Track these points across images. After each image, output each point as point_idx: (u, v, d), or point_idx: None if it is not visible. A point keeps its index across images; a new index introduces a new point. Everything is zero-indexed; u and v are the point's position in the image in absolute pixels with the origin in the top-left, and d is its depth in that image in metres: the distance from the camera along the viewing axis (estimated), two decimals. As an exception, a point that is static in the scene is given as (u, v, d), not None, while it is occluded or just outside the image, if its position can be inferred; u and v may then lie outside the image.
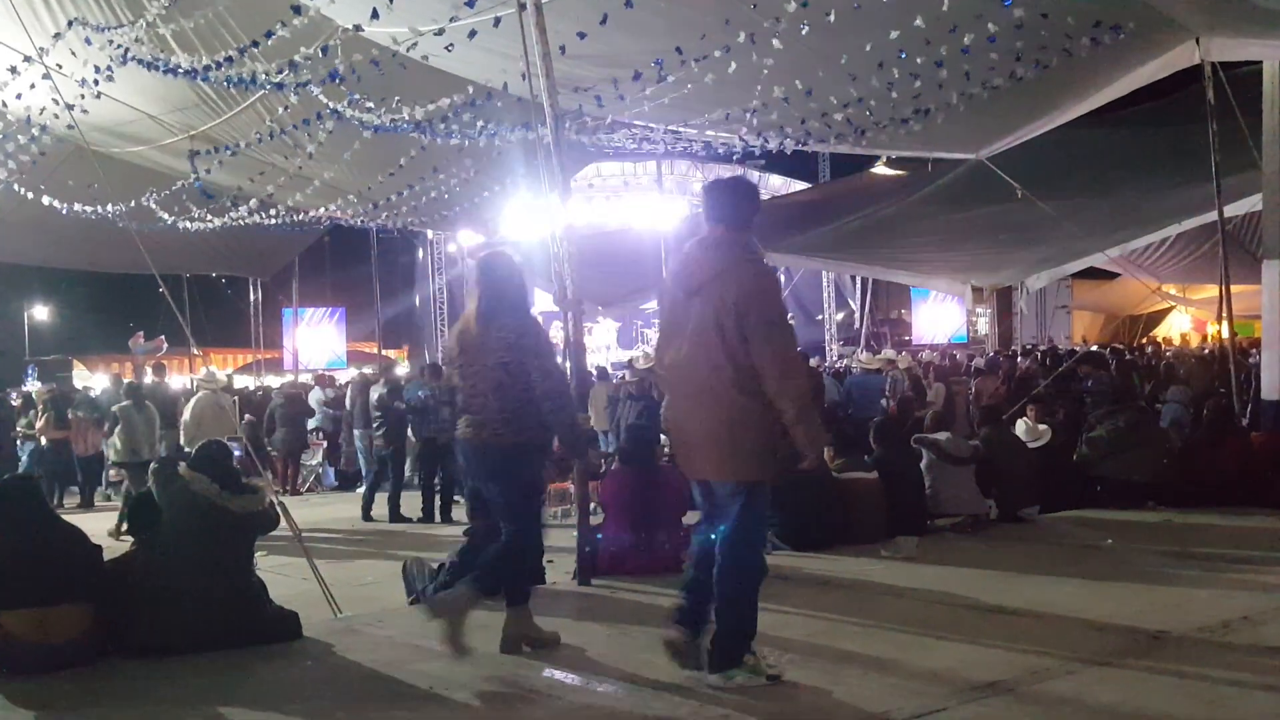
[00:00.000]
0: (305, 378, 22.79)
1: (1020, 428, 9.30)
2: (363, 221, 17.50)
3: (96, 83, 9.78)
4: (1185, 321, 29.72)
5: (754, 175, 27.80)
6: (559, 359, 5.59)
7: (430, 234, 26.79)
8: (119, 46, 9.14)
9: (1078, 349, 21.20)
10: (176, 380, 17.79)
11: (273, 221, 15.47)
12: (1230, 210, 12.34)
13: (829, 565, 6.80)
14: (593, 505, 7.19)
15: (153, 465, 10.73)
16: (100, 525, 10.97)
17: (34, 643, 4.81)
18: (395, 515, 11.62)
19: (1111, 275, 25.55)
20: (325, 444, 16.11)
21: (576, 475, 7.00)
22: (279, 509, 5.96)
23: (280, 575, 6.87)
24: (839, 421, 10.45)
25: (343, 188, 14.42)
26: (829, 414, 11.33)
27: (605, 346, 25.56)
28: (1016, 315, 25.98)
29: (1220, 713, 3.97)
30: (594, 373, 15.10)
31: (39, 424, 14.40)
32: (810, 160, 26.12)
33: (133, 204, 13.59)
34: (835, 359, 25.68)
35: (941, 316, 29.57)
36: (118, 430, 11.70)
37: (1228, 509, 8.37)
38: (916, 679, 4.35)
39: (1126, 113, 13.69)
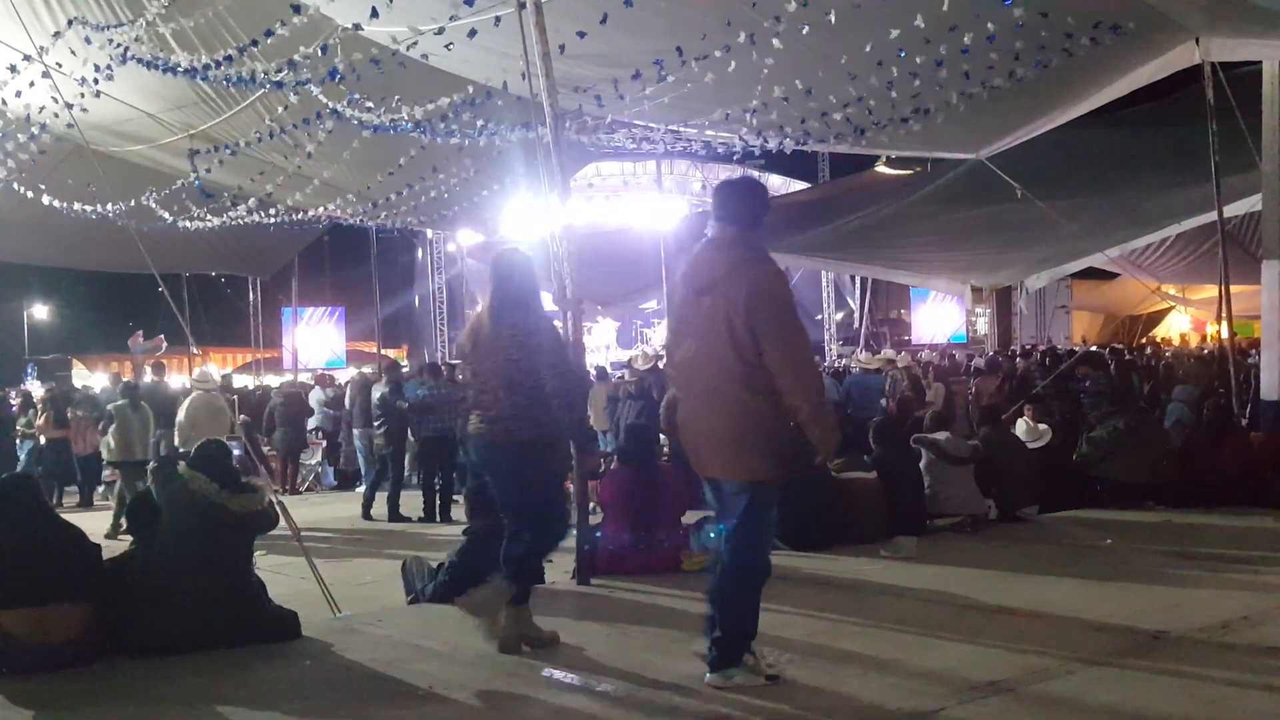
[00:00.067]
0: (305, 377, 22.78)
1: (1020, 428, 9.30)
2: (362, 221, 17.50)
3: (96, 81, 9.78)
4: (1185, 322, 29.74)
5: (753, 175, 27.87)
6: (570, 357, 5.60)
7: (430, 233, 26.79)
8: (119, 45, 9.14)
9: (1077, 349, 21.20)
10: (176, 380, 17.76)
11: (272, 221, 15.46)
12: (1230, 210, 12.36)
13: (828, 565, 6.80)
14: (591, 505, 7.19)
15: (151, 464, 10.78)
16: (99, 525, 10.99)
17: (33, 642, 4.80)
18: (394, 515, 11.62)
19: (1111, 275, 25.57)
20: (325, 443, 16.10)
21: (575, 475, 7.00)
22: (278, 508, 5.96)
23: (279, 574, 6.86)
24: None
25: (342, 187, 14.43)
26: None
27: (605, 346, 25.56)
28: (1016, 315, 26.01)
29: (1220, 713, 3.97)
30: (593, 373, 15.11)
31: (38, 423, 14.39)
32: (810, 160, 26.12)
33: (132, 203, 13.59)
34: (834, 359, 25.68)
35: (941, 316, 29.59)
36: (112, 429, 11.65)
37: (1227, 509, 8.37)
38: (916, 679, 4.35)
39: (1126, 113, 13.69)
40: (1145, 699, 4.08)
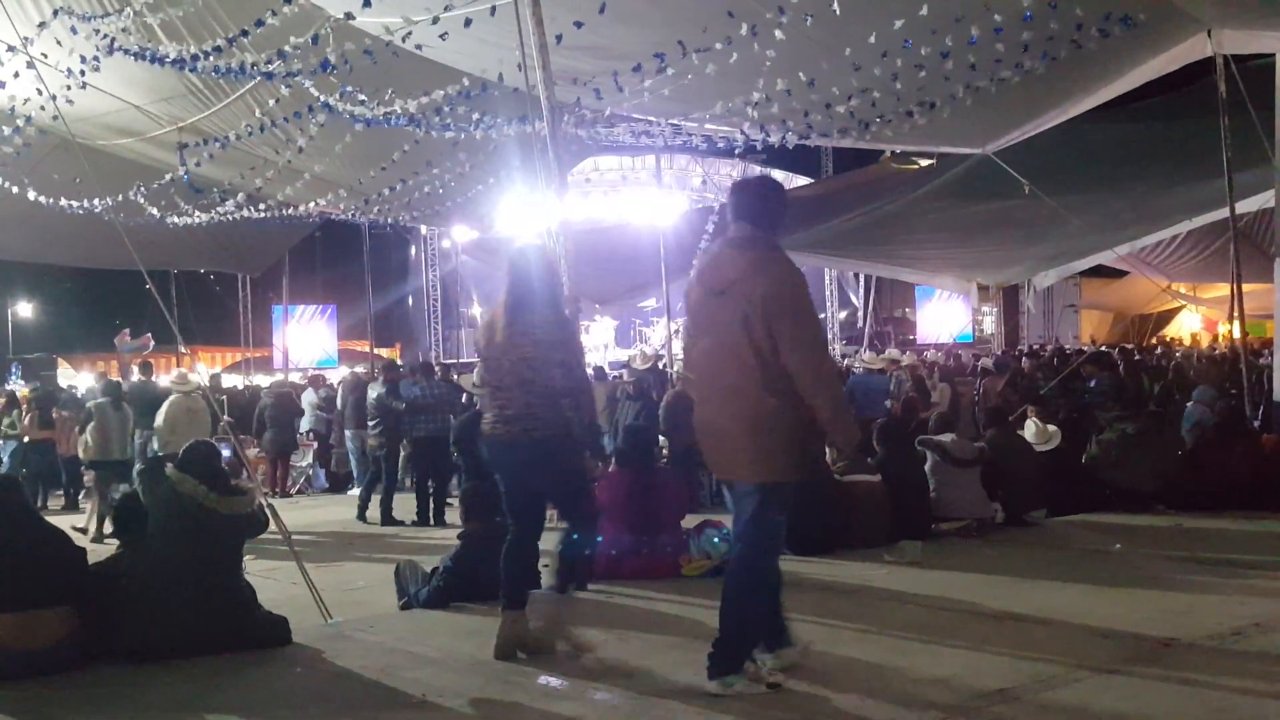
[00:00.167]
0: (295, 376, 22.76)
1: (1029, 429, 9.29)
2: (354, 216, 17.49)
3: (83, 73, 9.77)
4: (1196, 321, 29.76)
5: (755, 170, 27.89)
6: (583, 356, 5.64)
7: (424, 229, 26.79)
8: (105, 36, 9.14)
9: (1086, 349, 21.22)
10: (164, 379, 17.72)
11: (261, 215, 15.42)
12: (1242, 207, 12.33)
13: (831, 570, 6.80)
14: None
15: (139, 466, 10.75)
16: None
17: (17, 648, 4.80)
18: (387, 518, 11.60)
19: (1120, 273, 25.59)
20: (316, 445, 16.07)
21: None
22: (268, 511, 5.95)
23: (269, 579, 6.87)
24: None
25: (334, 182, 14.42)
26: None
27: (603, 345, 25.53)
28: (1023, 314, 26.04)
29: (1231, 721, 3.97)
30: (590, 373, 15.09)
31: (23, 424, 14.37)
32: (813, 155, 26.16)
33: (120, 198, 13.56)
34: (838, 358, 25.68)
35: (946, 315, 29.60)
36: (90, 428, 11.55)
37: (1238, 513, 8.37)
38: (920, 686, 4.34)
39: (1136, 106, 13.69)
40: (1154, 707, 4.08)
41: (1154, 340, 27.07)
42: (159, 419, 11.25)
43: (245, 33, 8.93)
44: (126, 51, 9.32)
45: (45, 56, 9.62)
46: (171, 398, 11.40)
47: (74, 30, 9.23)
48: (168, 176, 13.48)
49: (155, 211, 14.54)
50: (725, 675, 4.22)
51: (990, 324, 28.94)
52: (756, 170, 27.77)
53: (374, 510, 11.83)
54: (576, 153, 14.95)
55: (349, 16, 8.60)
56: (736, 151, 13.50)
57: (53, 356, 28.02)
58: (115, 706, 4.55)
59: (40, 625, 4.86)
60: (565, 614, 5.05)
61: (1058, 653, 4.75)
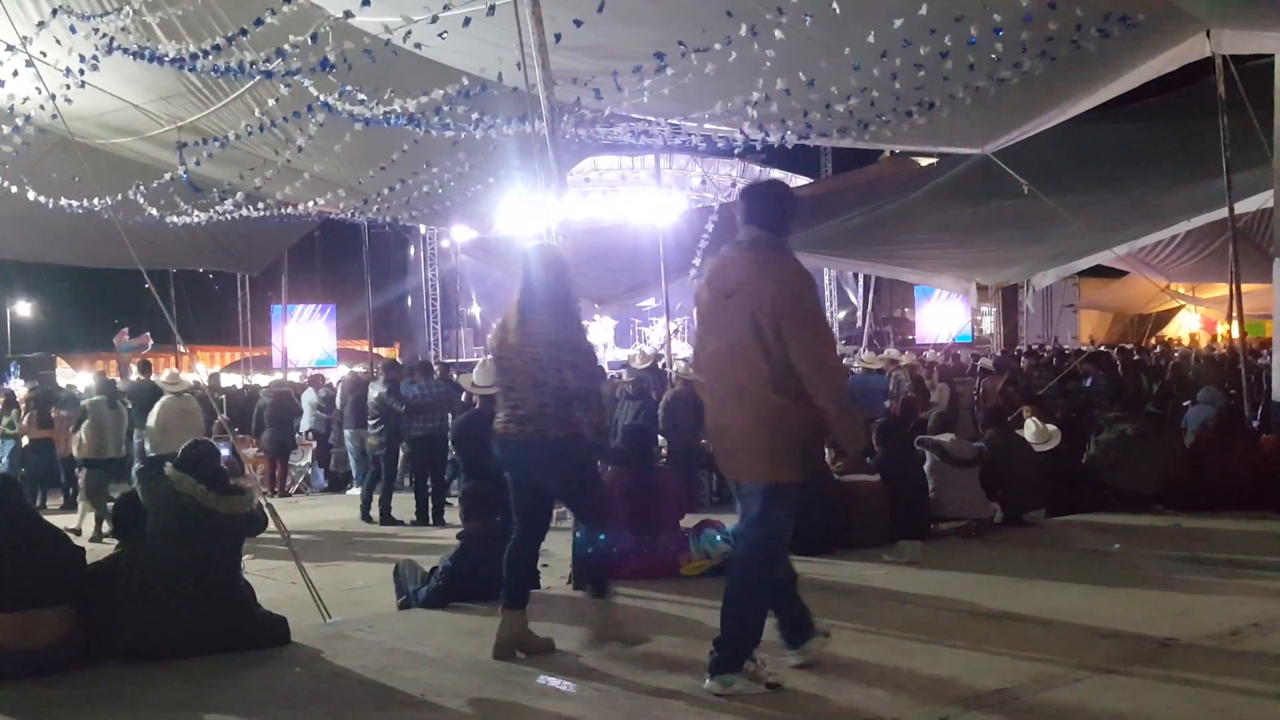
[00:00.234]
0: (294, 376, 22.76)
1: (1029, 429, 9.29)
2: (354, 215, 17.48)
3: (82, 72, 9.76)
4: (1194, 321, 29.76)
5: (754, 170, 27.87)
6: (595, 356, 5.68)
7: (423, 229, 26.76)
8: (104, 35, 9.13)
9: (1085, 349, 21.22)
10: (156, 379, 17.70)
11: (259, 214, 15.40)
12: (1241, 207, 12.33)
13: (829, 570, 6.79)
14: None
15: (137, 466, 10.72)
16: (85, 528, 10.98)
17: (16, 647, 4.79)
18: (386, 518, 11.60)
19: (1119, 273, 25.59)
20: (315, 444, 16.07)
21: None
22: (267, 510, 5.95)
23: (268, 579, 6.87)
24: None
25: (333, 181, 14.40)
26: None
27: (602, 345, 25.54)
28: (1022, 314, 26.03)
29: (1230, 722, 3.97)
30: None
31: (22, 424, 14.36)
32: (812, 155, 26.16)
33: (119, 197, 13.55)
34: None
35: (945, 315, 29.60)
36: (85, 426, 11.46)
37: (1238, 513, 8.38)
38: (919, 686, 4.35)
39: (1135, 106, 13.68)
40: (1154, 707, 4.08)
41: (1153, 340, 27.06)
42: (150, 420, 11.14)
43: (244, 32, 8.92)
44: (125, 50, 9.31)
45: (44, 55, 9.61)
46: (164, 399, 11.29)
47: (73, 29, 9.22)
48: (167, 175, 13.46)
49: (154, 211, 14.52)
50: (725, 674, 4.23)
51: (989, 324, 28.95)
52: (756, 170, 27.78)
53: (374, 509, 11.83)
54: (576, 152, 14.93)
55: (348, 15, 8.59)
56: (736, 151, 13.47)
57: (51, 356, 27.99)
58: (114, 706, 4.55)
59: (39, 625, 4.86)
60: (616, 617, 5.11)
61: (1057, 653, 4.75)
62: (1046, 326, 30.64)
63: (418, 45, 9.34)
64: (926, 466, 8.30)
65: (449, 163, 13.40)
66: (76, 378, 23.11)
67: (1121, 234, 17.29)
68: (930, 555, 7.18)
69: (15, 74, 9.88)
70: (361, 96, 10.33)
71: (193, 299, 22.84)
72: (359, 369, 20.89)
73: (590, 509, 5.22)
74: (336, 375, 20.89)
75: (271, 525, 6.09)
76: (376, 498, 11.83)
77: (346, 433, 14.54)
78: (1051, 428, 9.39)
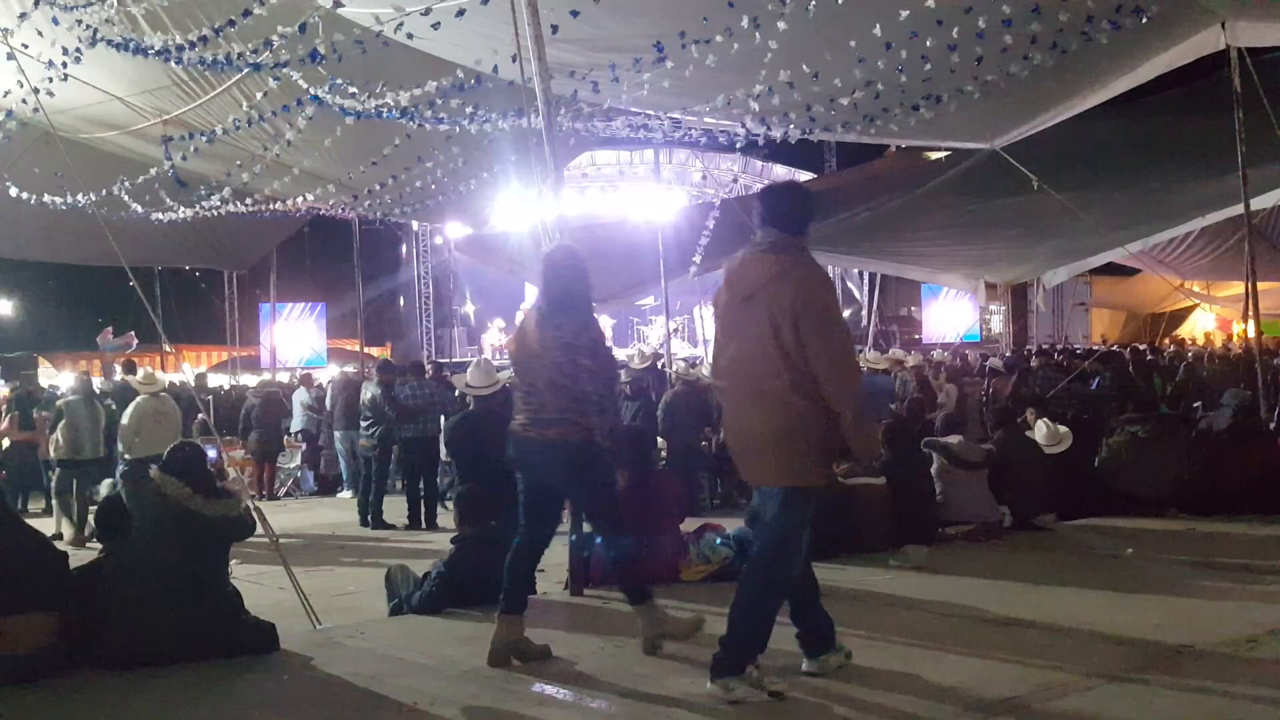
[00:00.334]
0: (283, 376, 22.75)
1: (1040, 430, 9.29)
2: (344, 211, 17.48)
3: (65, 65, 9.75)
4: (1209, 320, 29.77)
5: (757, 166, 27.88)
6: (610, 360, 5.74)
7: (415, 225, 26.75)
8: (88, 26, 9.12)
9: (1096, 348, 21.23)
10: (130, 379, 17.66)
11: (247, 210, 15.39)
12: (1257, 203, 12.36)
13: (834, 575, 6.77)
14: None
15: (121, 468, 10.70)
16: (66, 531, 10.97)
17: (-2, 653, 4.80)
18: (378, 521, 11.61)
19: (1132, 271, 25.61)
20: (304, 446, 16.07)
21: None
22: (255, 514, 5.95)
23: (256, 584, 6.87)
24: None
25: (323, 176, 14.40)
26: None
27: (601, 345, 25.53)
28: (1032, 313, 26.00)
29: (1245, 731, 3.98)
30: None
31: (2, 425, 14.34)
32: (816, 150, 26.16)
33: (103, 193, 13.54)
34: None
35: (953, 314, 29.62)
36: (61, 426, 11.35)
37: (1253, 517, 8.39)
38: (926, 695, 4.35)
39: (1148, 100, 13.70)
40: (1167, 716, 4.09)
41: (1167, 340, 27.07)
42: (124, 420, 11.02)
43: (232, 23, 8.90)
44: (110, 42, 9.30)
45: (26, 48, 9.60)
46: (138, 399, 11.16)
47: (55, 21, 9.21)
48: (153, 171, 13.46)
49: (139, 208, 14.52)
50: (727, 677, 4.25)
51: (998, 323, 28.92)
52: (758, 165, 27.81)
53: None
54: (573, 147, 14.93)
55: (337, 4, 8.58)
56: (738, 146, 13.46)
57: (34, 355, 27.92)
58: (98, 714, 4.55)
59: (20, 631, 4.86)
60: (661, 615, 5.13)
61: (1067, 660, 4.76)
62: (1057, 326, 30.64)
63: (409, 35, 9.34)
64: (933, 469, 8.30)
65: (442, 157, 13.39)
66: (59, 378, 23.08)
67: (1134, 231, 17.29)
68: (937, 560, 7.19)
69: (-4, 66, 9.87)
70: (352, 89, 10.32)
71: (178, 297, 22.85)
72: (350, 369, 20.88)
73: (606, 515, 5.24)
74: (326, 375, 20.89)
75: (260, 529, 6.09)
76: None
77: (337, 434, 14.53)
78: (1063, 429, 9.40)
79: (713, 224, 16.69)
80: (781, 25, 8.57)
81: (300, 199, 15.28)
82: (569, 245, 5.80)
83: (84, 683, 4.89)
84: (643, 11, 9.02)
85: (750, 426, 4.39)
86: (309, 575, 7.03)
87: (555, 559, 6.65)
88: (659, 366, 14.73)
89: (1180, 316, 30.00)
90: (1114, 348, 21.05)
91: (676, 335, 24.40)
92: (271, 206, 15.37)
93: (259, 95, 11.01)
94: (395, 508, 11.72)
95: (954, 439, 8.60)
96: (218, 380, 22.02)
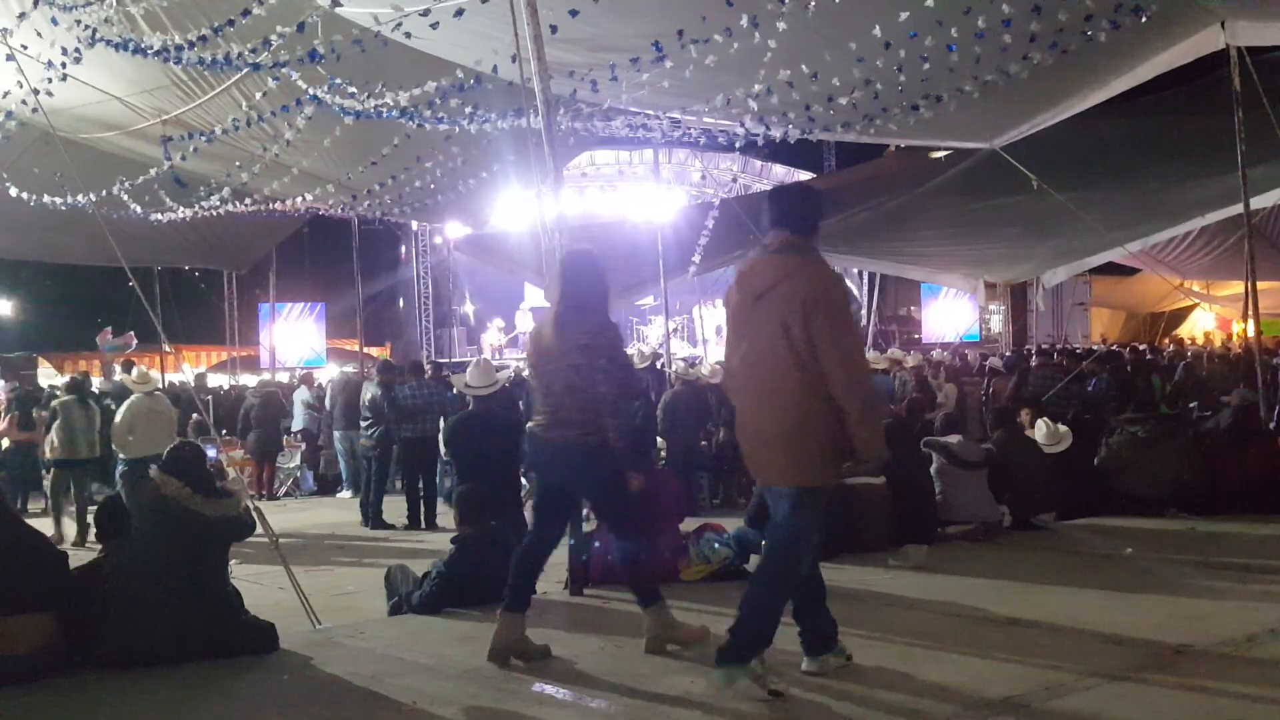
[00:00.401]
0: (282, 376, 22.74)
1: (1040, 430, 9.30)
2: (343, 211, 17.48)
3: (64, 65, 9.75)
4: (1209, 320, 29.78)
5: (756, 165, 27.87)
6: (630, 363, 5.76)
7: (415, 225, 26.73)
8: (87, 27, 9.12)
9: (1095, 348, 21.23)
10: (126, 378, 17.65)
11: (245, 209, 15.39)
12: (1257, 203, 12.35)
13: (833, 575, 6.72)
14: (585, 511, 7.18)
15: (120, 469, 10.70)
16: (68, 532, 10.97)
17: (-2, 653, 4.80)
18: (377, 521, 11.61)
19: (1132, 271, 25.62)
20: (304, 446, 16.07)
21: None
22: (254, 514, 5.95)
23: (256, 584, 6.87)
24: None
25: (322, 176, 14.40)
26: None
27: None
28: (1032, 312, 26.00)
29: (1244, 730, 3.98)
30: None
31: (2, 425, 14.34)
32: (815, 150, 26.13)
33: (103, 193, 13.54)
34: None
35: (952, 314, 29.61)
36: (55, 426, 11.31)
37: (1253, 516, 8.39)
38: (925, 694, 4.35)
39: (1148, 100, 13.70)
40: (1166, 716, 4.09)
41: (1166, 340, 27.08)
42: (117, 419, 10.92)
43: (231, 23, 8.91)
44: (108, 42, 9.30)
45: (25, 48, 9.60)
46: (132, 398, 11.06)
47: (54, 21, 9.21)
48: (152, 171, 13.46)
49: (139, 208, 14.52)
50: (731, 664, 4.28)
51: (998, 323, 28.92)
52: (758, 165, 27.79)
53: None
54: (573, 147, 14.93)
55: (336, 4, 8.58)
56: (737, 146, 13.45)
57: (33, 356, 27.93)
58: (98, 714, 4.56)
59: (19, 631, 4.87)
60: (669, 619, 5.14)
61: (1067, 660, 4.76)
62: (1057, 325, 30.64)
63: (408, 35, 9.34)
64: (933, 469, 8.30)
65: (442, 157, 13.39)
66: (58, 378, 23.10)
67: (1134, 230, 17.30)
68: (937, 559, 7.19)
69: (-5, 67, 9.86)
70: (351, 89, 10.33)
71: (178, 297, 22.82)
72: (349, 369, 20.88)
73: (622, 517, 5.25)
74: (326, 375, 20.88)
75: (259, 529, 6.10)
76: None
77: (336, 434, 14.53)
78: (1063, 429, 9.40)
79: (712, 224, 16.70)
80: (781, 25, 8.58)
81: (299, 199, 15.29)
82: (586, 248, 5.81)
83: (83, 683, 4.90)
84: (642, 11, 9.02)
85: (761, 426, 4.43)
86: (308, 575, 7.03)
87: (555, 559, 6.66)
88: (658, 366, 14.73)
89: (1180, 316, 30.01)
90: (1114, 347, 21.05)
91: (676, 335, 24.38)
92: (271, 206, 15.38)
93: (258, 95, 11.01)
94: (395, 508, 11.73)
95: (954, 439, 8.60)
96: (217, 380, 22.04)
